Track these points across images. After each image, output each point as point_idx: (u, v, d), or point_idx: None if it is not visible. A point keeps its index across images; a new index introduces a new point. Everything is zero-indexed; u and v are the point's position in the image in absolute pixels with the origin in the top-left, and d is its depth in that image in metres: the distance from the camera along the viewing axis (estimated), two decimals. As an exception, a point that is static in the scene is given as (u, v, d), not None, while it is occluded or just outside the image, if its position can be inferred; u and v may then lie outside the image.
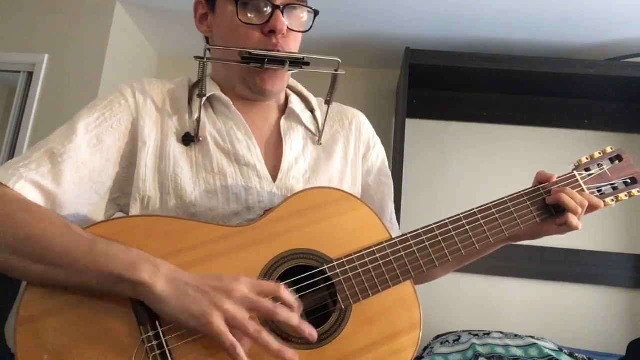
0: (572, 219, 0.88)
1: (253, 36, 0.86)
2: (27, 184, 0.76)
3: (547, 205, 0.90)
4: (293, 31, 0.88)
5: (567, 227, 0.89)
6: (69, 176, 0.79)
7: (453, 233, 0.85)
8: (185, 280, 0.68)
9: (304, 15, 0.90)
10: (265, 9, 0.86)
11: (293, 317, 0.68)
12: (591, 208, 0.90)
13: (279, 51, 0.85)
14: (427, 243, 0.83)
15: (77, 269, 0.68)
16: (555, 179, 0.92)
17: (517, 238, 0.94)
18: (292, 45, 0.89)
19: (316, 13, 0.91)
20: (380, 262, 0.80)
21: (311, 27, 0.92)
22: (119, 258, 0.68)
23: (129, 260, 0.68)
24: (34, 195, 0.76)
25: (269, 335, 0.67)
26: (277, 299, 0.69)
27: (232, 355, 0.65)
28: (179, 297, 0.66)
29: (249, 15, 0.86)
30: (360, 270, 0.79)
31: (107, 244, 0.70)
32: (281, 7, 0.85)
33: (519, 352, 1.75)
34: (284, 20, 0.85)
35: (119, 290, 0.68)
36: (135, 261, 0.68)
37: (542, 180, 0.93)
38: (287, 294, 0.70)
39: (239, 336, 0.66)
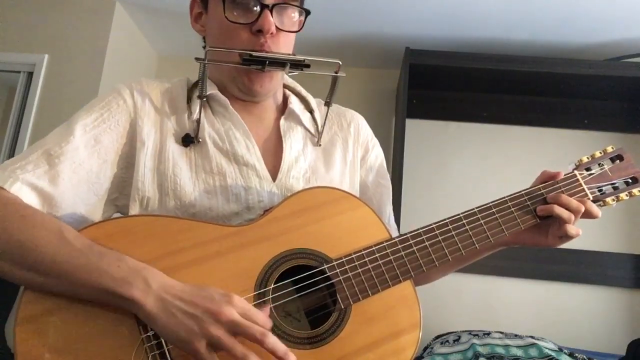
0: (570, 229, 0.86)
1: (241, 35, 0.85)
2: (24, 186, 0.75)
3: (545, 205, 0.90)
4: (283, 31, 0.87)
5: (567, 238, 0.88)
6: (66, 177, 0.79)
7: (453, 233, 0.85)
8: (175, 301, 0.67)
9: (295, 15, 0.89)
10: (255, 8, 0.84)
11: (280, 347, 0.67)
12: (590, 216, 0.89)
13: (266, 51, 0.84)
14: (427, 243, 0.83)
15: (69, 281, 0.68)
16: (561, 176, 0.91)
17: (518, 241, 0.93)
18: (282, 45, 0.87)
19: (308, 13, 0.90)
20: (380, 261, 0.80)
21: (302, 27, 0.90)
22: (111, 273, 0.67)
23: (121, 275, 0.67)
24: (30, 198, 0.76)
25: (256, 356, 0.65)
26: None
27: None
28: (167, 318, 0.66)
29: (237, 14, 0.85)
30: (360, 270, 0.79)
31: (99, 256, 0.69)
32: (270, 6, 0.84)
33: (519, 352, 1.75)
34: (273, 20, 0.84)
35: (110, 303, 0.68)
36: (127, 277, 0.67)
37: (546, 179, 0.92)
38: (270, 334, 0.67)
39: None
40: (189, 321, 0.65)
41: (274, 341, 0.66)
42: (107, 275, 0.67)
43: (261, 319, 0.68)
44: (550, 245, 0.92)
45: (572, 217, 0.86)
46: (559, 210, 0.86)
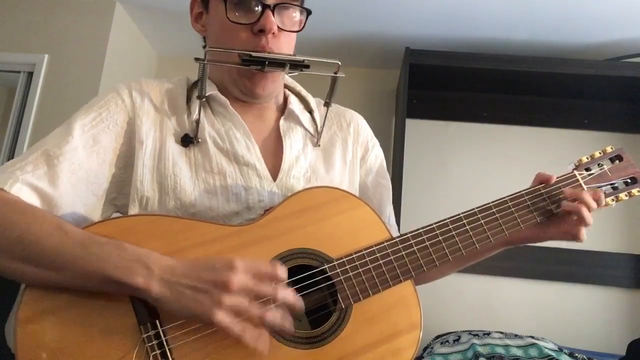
0: (583, 233, 0.88)
1: (242, 35, 0.85)
2: (24, 186, 0.76)
3: (546, 206, 0.90)
4: (284, 31, 0.87)
5: (573, 238, 0.89)
6: (65, 178, 0.79)
7: (453, 233, 0.85)
8: (179, 280, 0.67)
9: (296, 15, 0.89)
10: (256, 8, 0.84)
11: (290, 295, 0.69)
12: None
13: (267, 51, 0.84)
14: (427, 243, 0.83)
15: (71, 272, 0.68)
16: (554, 180, 0.92)
17: (519, 240, 0.93)
18: (284, 45, 0.87)
19: (309, 13, 0.90)
20: (381, 261, 0.80)
21: (303, 27, 0.90)
22: (111, 262, 0.67)
23: (122, 264, 0.67)
24: (30, 198, 0.76)
25: (275, 311, 0.67)
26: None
27: (241, 342, 0.66)
28: (177, 298, 0.66)
29: (239, 14, 0.85)
30: (360, 270, 0.79)
31: (99, 246, 0.69)
32: (272, 6, 0.84)
33: (519, 352, 1.75)
34: (274, 20, 0.84)
35: (115, 292, 0.68)
36: (127, 265, 0.67)
37: (542, 180, 0.93)
38: (282, 271, 0.69)
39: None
40: (200, 296, 0.65)
41: (284, 295, 0.68)
42: (108, 265, 0.67)
43: (268, 269, 0.69)
44: (551, 237, 0.92)
45: (591, 219, 0.87)
46: (585, 212, 0.87)
